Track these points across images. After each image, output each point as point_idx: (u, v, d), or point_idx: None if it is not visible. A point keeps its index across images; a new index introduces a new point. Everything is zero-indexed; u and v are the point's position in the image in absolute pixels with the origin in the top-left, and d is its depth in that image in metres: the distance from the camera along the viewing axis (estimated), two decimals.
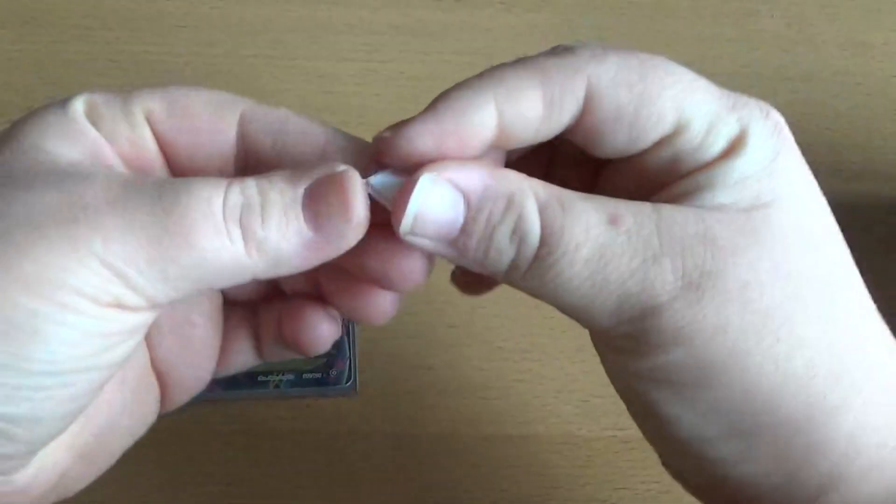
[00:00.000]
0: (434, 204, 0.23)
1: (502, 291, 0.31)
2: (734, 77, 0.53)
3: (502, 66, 0.24)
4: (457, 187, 0.23)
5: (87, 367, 0.22)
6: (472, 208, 0.23)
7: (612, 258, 0.22)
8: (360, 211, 0.23)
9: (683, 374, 0.23)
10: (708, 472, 0.25)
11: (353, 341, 0.43)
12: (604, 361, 0.26)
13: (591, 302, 0.23)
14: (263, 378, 0.42)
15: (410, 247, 0.24)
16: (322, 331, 0.27)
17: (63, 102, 0.24)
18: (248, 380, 0.42)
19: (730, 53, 0.54)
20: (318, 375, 0.42)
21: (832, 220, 0.25)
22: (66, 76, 0.50)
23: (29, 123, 0.24)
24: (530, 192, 0.23)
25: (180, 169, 0.26)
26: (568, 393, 0.43)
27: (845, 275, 0.24)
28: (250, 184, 0.23)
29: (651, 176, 0.24)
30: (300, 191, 0.23)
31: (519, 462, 0.42)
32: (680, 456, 0.25)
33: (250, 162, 0.25)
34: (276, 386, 0.42)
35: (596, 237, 0.22)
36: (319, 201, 0.23)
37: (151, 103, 0.25)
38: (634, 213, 0.23)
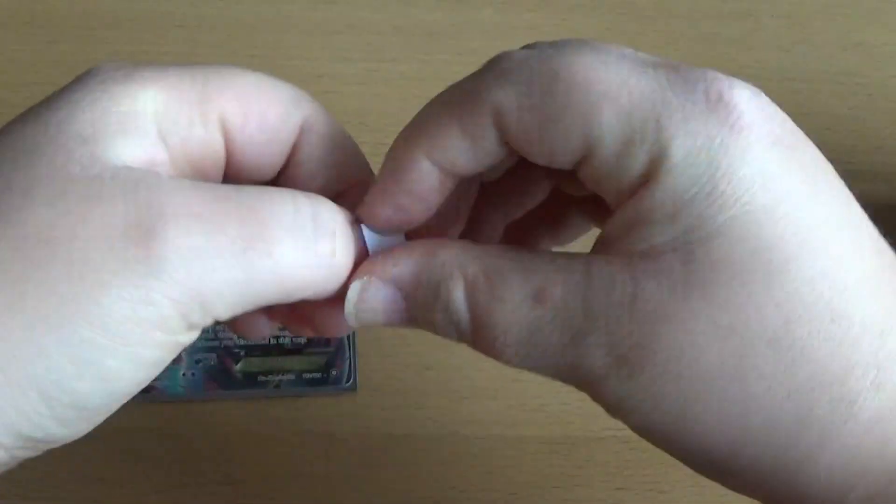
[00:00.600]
0: (371, 301, 0.23)
1: None
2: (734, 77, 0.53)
3: (426, 110, 0.23)
4: (389, 282, 0.23)
5: (144, 381, 0.22)
6: (409, 298, 0.23)
7: (541, 339, 0.22)
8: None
9: (643, 434, 0.22)
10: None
11: (353, 341, 0.43)
12: None
13: (536, 373, 0.23)
14: (263, 378, 0.42)
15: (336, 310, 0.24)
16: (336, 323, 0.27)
17: (131, 92, 0.22)
18: (248, 380, 0.42)
19: (730, 53, 0.54)
20: (318, 375, 0.42)
21: (833, 195, 0.22)
22: (66, 76, 0.50)
23: (89, 112, 0.21)
24: (458, 275, 0.22)
25: (236, 172, 0.25)
26: (567, 393, 0.43)
27: (832, 283, 0.20)
28: (330, 204, 0.23)
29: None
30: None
31: (519, 462, 0.42)
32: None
33: (288, 166, 0.25)
34: (276, 386, 0.42)
35: (522, 318, 0.22)
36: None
37: (227, 106, 0.23)
38: (563, 284, 0.21)
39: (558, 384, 0.46)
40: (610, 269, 0.21)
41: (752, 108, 0.20)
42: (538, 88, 0.21)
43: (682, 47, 0.54)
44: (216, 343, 0.43)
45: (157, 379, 0.41)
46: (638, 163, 0.20)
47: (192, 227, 0.20)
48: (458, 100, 0.22)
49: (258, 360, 0.42)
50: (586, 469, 0.42)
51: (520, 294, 0.22)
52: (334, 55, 0.52)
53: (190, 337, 0.22)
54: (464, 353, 0.44)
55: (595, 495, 0.41)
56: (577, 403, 0.43)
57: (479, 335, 0.23)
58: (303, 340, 0.43)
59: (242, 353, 0.42)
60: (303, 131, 0.25)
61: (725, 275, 0.20)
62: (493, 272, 0.22)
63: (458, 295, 0.22)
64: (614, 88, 0.20)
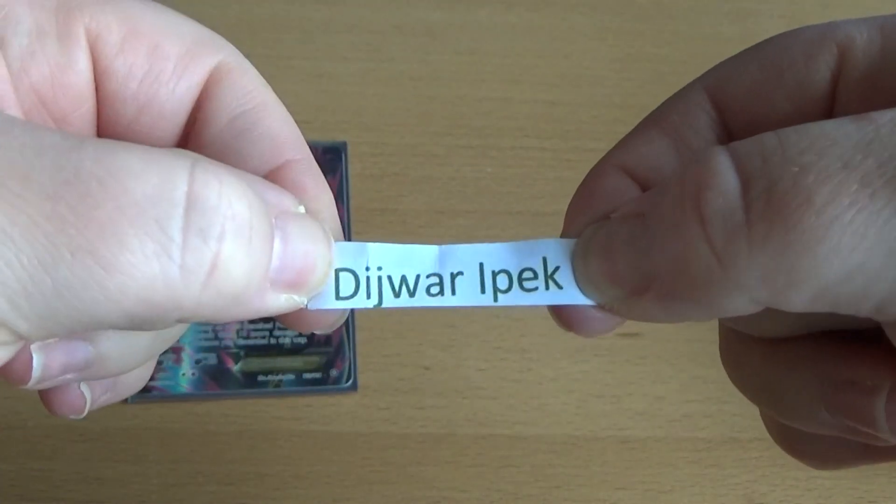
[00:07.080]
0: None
1: None
2: None
3: None
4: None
5: None
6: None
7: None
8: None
9: None
10: None
11: (353, 341, 0.43)
12: None
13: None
14: (263, 378, 0.42)
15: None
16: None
17: None
18: (248, 380, 0.42)
19: (730, 53, 0.54)
20: (318, 375, 0.42)
21: None
22: None
23: None
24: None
25: (112, 120, 0.18)
26: (567, 393, 0.43)
27: None
28: (236, 183, 0.15)
29: None
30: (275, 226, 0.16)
31: (519, 462, 0.42)
32: None
33: (190, 134, 0.19)
34: (276, 386, 0.42)
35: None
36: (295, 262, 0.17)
37: (100, 19, 0.17)
38: None
39: (558, 384, 0.47)
40: None
41: None
42: None
43: (682, 47, 0.54)
44: (216, 343, 0.43)
45: (157, 379, 0.41)
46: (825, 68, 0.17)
47: None
48: None
49: (258, 359, 0.42)
50: (587, 469, 0.42)
51: None
52: (334, 55, 0.52)
53: None
54: (464, 353, 0.44)
55: (595, 495, 0.41)
56: (576, 403, 0.43)
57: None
58: (303, 340, 0.43)
59: (242, 352, 0.43)
60: (214, 82, 0.19)
61: None
62: None
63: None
64: None
